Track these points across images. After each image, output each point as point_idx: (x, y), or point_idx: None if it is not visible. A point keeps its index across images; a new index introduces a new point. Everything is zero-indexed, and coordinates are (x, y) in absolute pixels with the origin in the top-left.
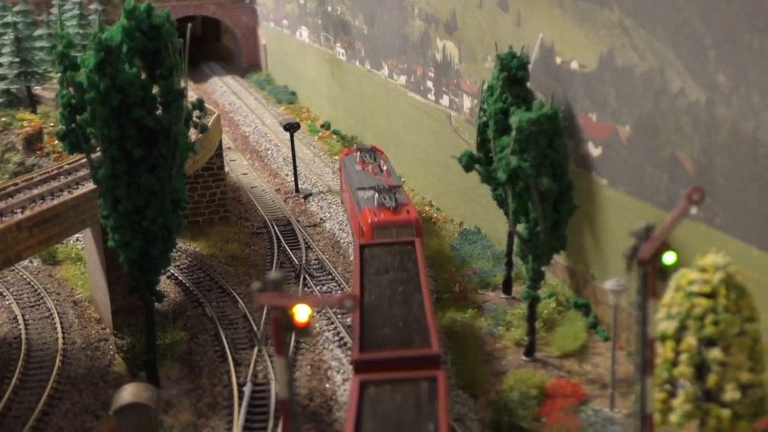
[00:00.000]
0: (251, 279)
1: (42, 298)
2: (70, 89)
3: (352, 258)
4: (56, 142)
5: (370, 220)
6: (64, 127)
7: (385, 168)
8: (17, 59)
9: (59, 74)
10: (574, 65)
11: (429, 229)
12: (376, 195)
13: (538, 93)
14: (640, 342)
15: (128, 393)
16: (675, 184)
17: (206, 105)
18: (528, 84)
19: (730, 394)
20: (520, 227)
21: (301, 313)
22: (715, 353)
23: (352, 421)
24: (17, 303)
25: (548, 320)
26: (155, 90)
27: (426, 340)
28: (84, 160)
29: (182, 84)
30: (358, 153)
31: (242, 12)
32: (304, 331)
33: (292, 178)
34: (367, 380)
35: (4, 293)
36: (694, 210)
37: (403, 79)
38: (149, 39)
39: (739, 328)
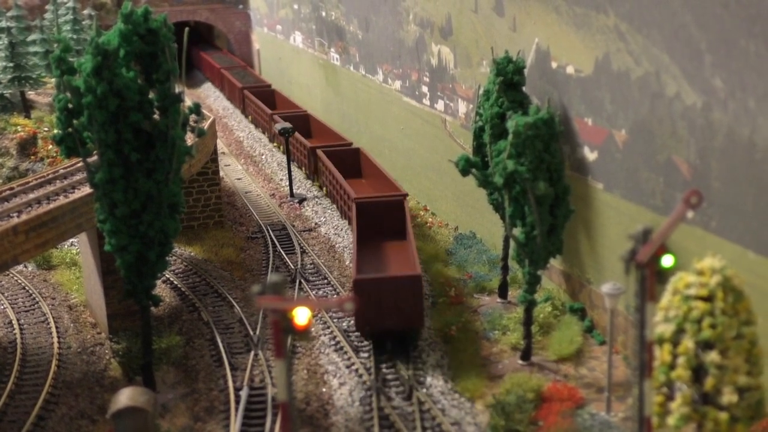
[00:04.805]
0: (247, 284)
1: (37, 302)
2: (67, 93)
3: (347, 261)
4: (50, 147)
5: None
6: (60, 132)
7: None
8: (11, 64)
9: (56, 78)
10: (569, 70)
11: (424, 234)
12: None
13: (534, 97)
14: (638, 345)
15: (125, 397)
16: (671, 188)
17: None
18: (524, 88)
19: (728, 397)
20: (517, 231)
21: (301, 315)
22: (712, 356)
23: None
24: (12, 308)
25: (544, 324)
26: (152, 94)
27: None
28: (79, 164)
29: (179, 88)
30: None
31: (235, 17)
32: (304, 334)
33: (287, 183)
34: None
35: None
36: (690, 214)
37: (398, 84)
38: (146, 43)
39: (736, 332)
